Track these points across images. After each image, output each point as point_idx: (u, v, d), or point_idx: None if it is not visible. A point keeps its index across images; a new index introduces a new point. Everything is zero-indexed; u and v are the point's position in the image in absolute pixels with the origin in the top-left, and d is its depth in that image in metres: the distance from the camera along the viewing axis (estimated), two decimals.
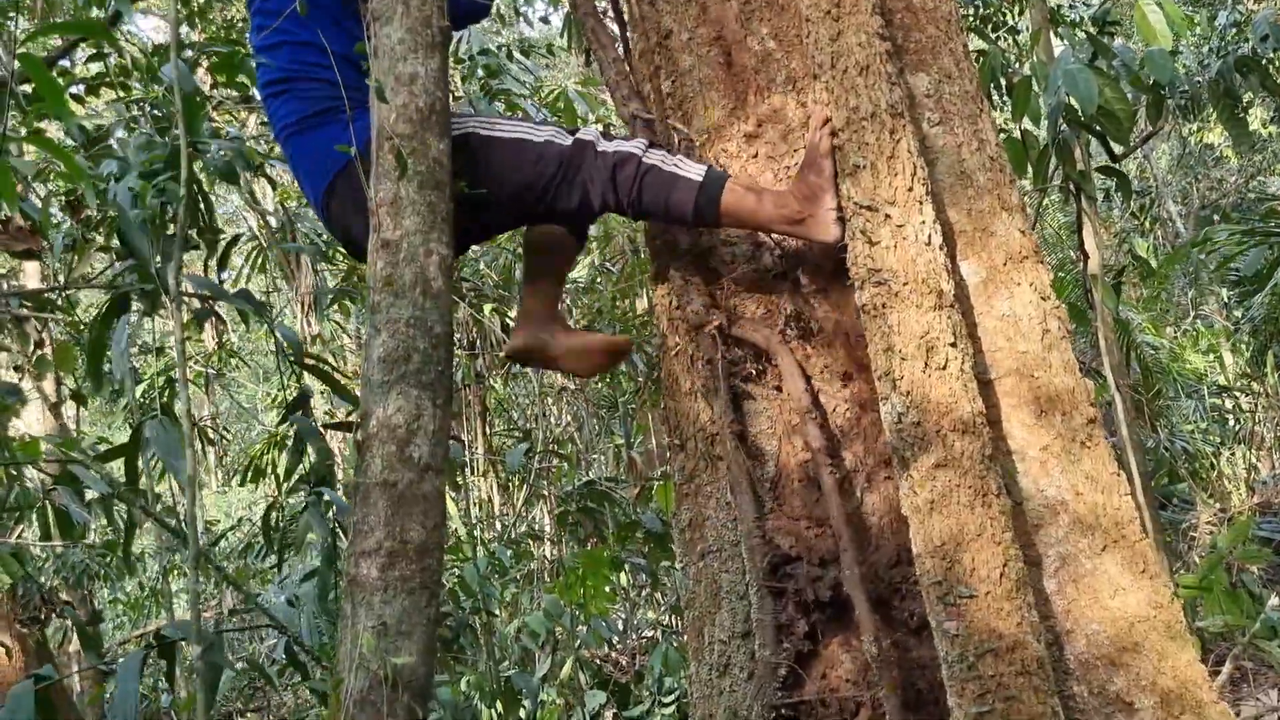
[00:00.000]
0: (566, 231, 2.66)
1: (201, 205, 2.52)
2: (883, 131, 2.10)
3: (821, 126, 2.19)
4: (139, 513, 2.29)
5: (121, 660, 1.94)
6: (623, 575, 5.50)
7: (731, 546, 2.39)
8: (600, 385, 8.14)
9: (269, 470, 9.26)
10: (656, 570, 4.59)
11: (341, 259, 6.08)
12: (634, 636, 6.86)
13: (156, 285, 2.22)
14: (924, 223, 2.08)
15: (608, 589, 5.91)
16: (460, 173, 2.23)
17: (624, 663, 5.90)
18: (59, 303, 2.61)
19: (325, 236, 6.94)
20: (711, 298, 2.41)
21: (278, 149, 2.79)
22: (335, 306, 5.90)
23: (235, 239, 2.52)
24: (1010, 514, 2.00)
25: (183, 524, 2.31)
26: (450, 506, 7.16)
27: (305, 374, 2.53)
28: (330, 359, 8.41)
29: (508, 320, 6.06)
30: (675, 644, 4.52)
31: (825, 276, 2.37)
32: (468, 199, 2.28)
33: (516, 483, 6.09)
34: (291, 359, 2.43)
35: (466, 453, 8.78)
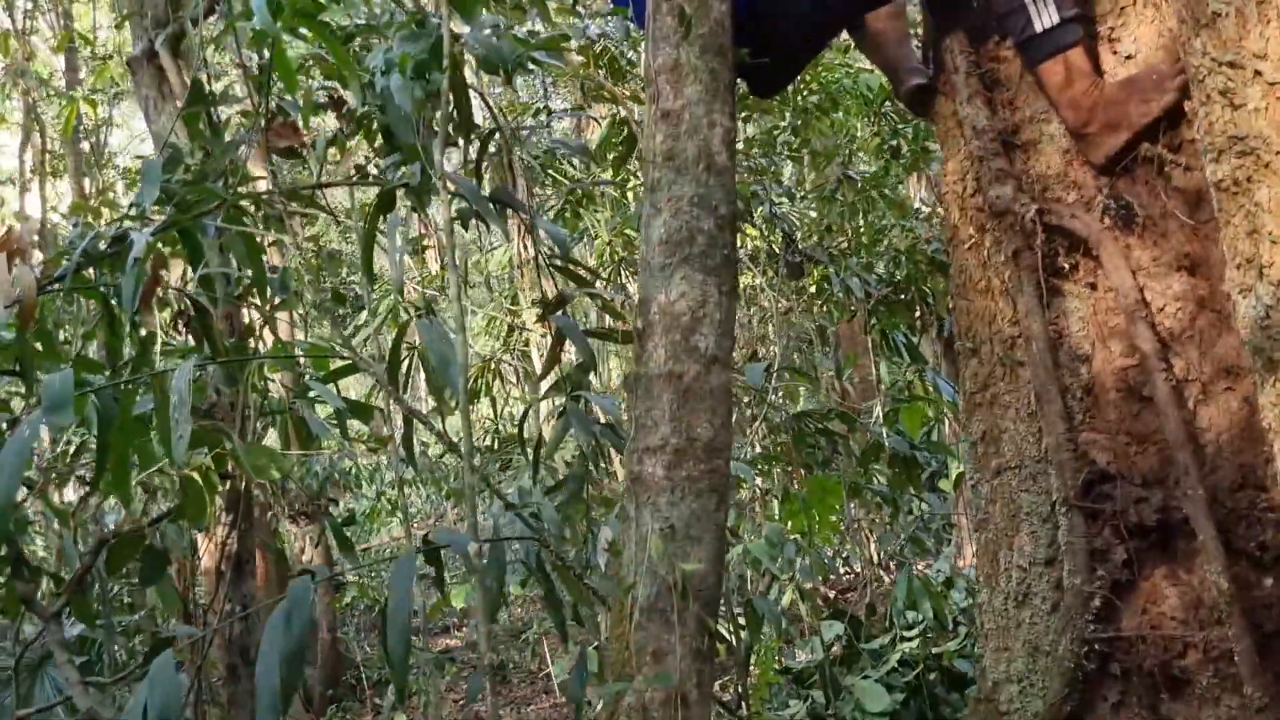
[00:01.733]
0: None
1: (453, 102, 2.41)
2: None
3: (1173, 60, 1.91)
4: (405, 416, 2.21)
5: (393, 565, 1.86)
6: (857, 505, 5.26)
7: (1034, 463, 2.13)
8: (809, 310, 7.85)
9: (483, 393, 9.41)
10: (898, 498, 4.33)
11: (554, 179, 5.99)
12: (863, 569, 6.62)
13: (425, 180, 2.11)
14: None
15: (834, 518, 5.69)
16: None
17: (849, 597, 5.69)
18: (323, 202, 2.56)
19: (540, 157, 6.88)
20: (1017, 180, 2.12)
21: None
22: (562, 221, 5.82)
23: (490, 134, 2.39)
24: None
25: (444, 433, 2.22)
26: None
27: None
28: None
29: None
30: (917, 574, 4.26)
31: (1152, 153, 2.05)
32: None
33: (750, 401, 5.92)
34: (555, 263, 2.30)
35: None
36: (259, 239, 2.28)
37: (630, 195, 5.38)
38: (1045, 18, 2.07)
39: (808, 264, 5.96)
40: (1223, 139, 1.77)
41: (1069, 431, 2.06)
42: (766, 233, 5.31)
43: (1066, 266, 2.08)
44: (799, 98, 4.93)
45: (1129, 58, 2.06)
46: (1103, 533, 2.03)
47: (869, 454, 4.08)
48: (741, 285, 5.69)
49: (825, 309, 7.35)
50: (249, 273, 2.24)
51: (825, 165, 5.50)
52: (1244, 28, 1.74)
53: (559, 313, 2.29)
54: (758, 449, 5.94)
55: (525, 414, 2.70)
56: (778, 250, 5.07)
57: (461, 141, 2.36)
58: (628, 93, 4.68)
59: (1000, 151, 2.15)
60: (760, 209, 5.16)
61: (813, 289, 6.44)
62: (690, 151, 1.80)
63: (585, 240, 7.30)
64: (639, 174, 4.79)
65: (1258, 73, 1.73)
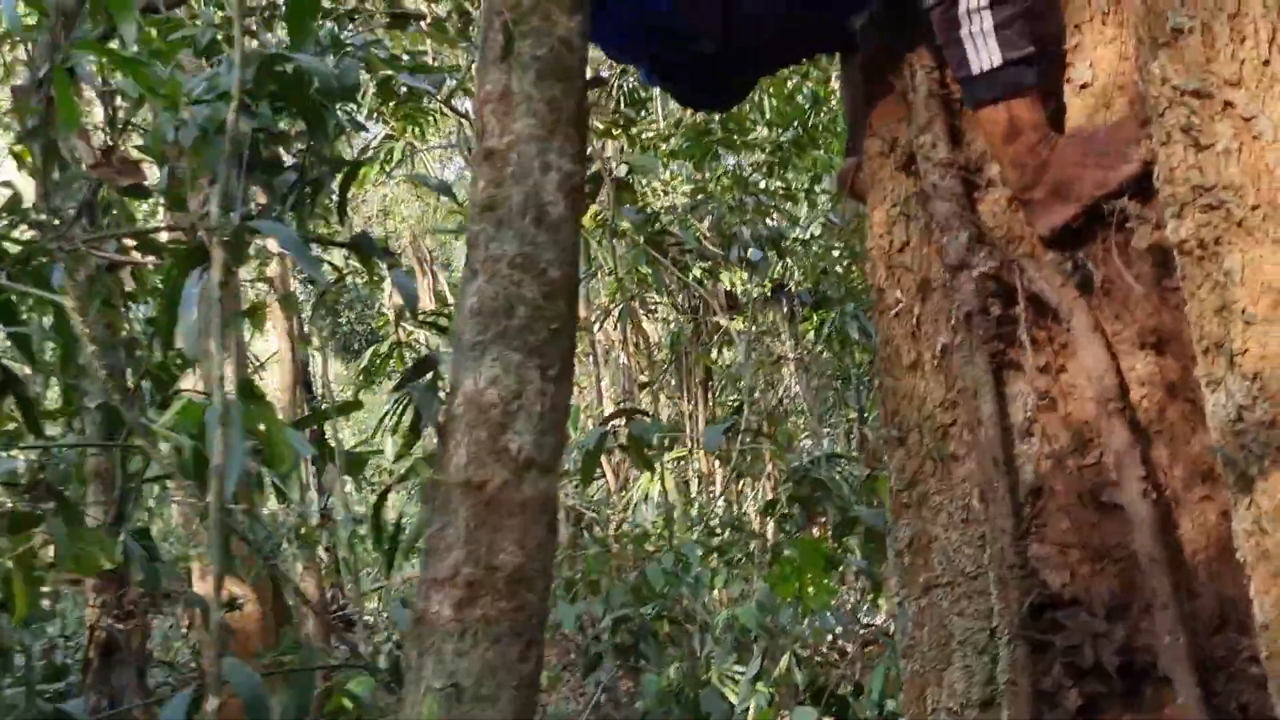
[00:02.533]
0: None
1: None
2: None
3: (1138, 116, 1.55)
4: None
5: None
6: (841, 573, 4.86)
7: (969, 580, 1.74)
8: (831, 354, 7.45)
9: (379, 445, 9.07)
10: (877, 573, 3.92)
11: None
12: (860, 631, 6.19)
13: (237, 228, 1.77)
14: None
15: (827, 582, 5.27)
16: None
17: (847, 670, 5.27)
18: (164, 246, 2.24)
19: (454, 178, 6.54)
20: (976, 229, 1.74)
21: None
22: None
23: (355, 168, 2.05)
24: None
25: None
26: (668, 482, 6.71)
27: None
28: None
29: (722, 279, 5.49)
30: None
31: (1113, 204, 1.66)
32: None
33: (736, 459, 5.56)
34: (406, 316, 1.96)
35: (688, 424, 8.31)
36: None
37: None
38: (984, 57, 1.68)
39: (803, 308, 5.60)
40: (1185, 189, 1.38)
41: (1019, 541, 1.67)
42: (756, 275, 4.96)
43: (1024, 340, 1.70)
44: (775, 132, 4.58)
45: (1084, 86, 1.68)
46: (1052, 671, 1.63)
47: (841, 528, 3.68)
48: (726, 327, 5.33)
49: (844, 350, 6.97)
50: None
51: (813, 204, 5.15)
52: (1212, 47, 1.37)
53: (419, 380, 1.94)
54: (748, 510, 5.58)
55: (380, 499, 2.34)
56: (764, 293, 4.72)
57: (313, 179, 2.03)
58: (599, 124, 4.35)
59: (960, 192, 1.77)
60: (748, 249, 4.81)
61: (811, 334, 6.08)
62: (516, 200, 1.45)
63: None
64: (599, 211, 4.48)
65: (1229, 104, 1.35)
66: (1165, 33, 1.40)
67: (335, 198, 2.11)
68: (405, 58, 3.37)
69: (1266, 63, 1.35)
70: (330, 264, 2.03)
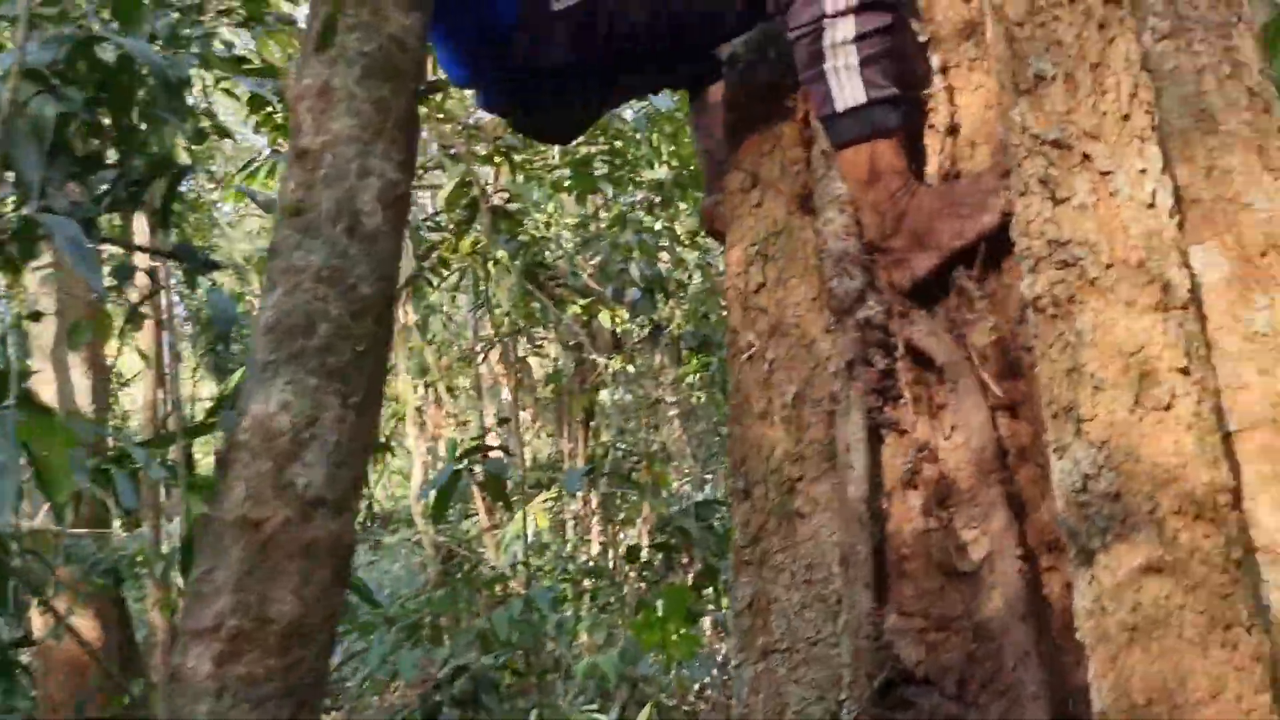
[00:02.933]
0: None
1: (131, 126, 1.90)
2: (1086, 24, 1.32)
3: (1000, 167, 1.49)
4: None
5: None
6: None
7: (809, 646, 1.63)
8: (711, 400, 7.40)
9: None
10: None
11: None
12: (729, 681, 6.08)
13: (25, 224, 1.59)
14: (1145, 171, 1.29)
15: (688, 632, 5.16)
16: None
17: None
18: None
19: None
20: (869, 272, 1.64)
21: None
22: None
23: (180, 173, 1.87)
24: (1271, 661, 1.19)
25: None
26: (542, 522, 6.53)
27: None
28: None
29: (603, 318, 5.38)
30: None
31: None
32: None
33: (599, 504, 5.43)
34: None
35: (566, 462, 8.15)
36: None
37: (491, 266, 4.90)
38: (848, 94, 1.61)
39: (684, 350, 5.53)
40: (1041, 243, 1.31)
41: (874, 612, 1.57)
42: (635, 315, 4.86)
43: (905, 395, 1.60)
44: (652, 168, 4.52)
45: (950, 132, 1.62)
46: None
47: (700, 579, 3.58)
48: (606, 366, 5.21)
49: (725, 396, 6.90)
50: None
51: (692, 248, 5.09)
52: (1073, 97, 1.30)
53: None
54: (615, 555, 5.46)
55: (190, 530, 2.12)
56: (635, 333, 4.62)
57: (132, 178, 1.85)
58: (481, 150, 4.22)
59: (856, 232, 1.67)
60: (629, 288, 4.71)
61: (692, 376, 6.01)
62: (327, 206, 1.31)
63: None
64: (478, 240, 4.34)
65: (1087, 157, 1.29)
66: (1028, 79, 1.34)
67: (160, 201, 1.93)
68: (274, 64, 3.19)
69: (1126, 117, 1.30)
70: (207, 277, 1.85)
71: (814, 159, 1.77)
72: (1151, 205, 1.27)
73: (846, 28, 1.61)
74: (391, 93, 1.38)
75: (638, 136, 4.46)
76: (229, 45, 2.78)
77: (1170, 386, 1.22)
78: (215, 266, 1.92)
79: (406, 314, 7.82)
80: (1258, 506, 1.41)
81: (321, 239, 1.30)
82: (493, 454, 3.09)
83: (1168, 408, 1.22)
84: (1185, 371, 1.23)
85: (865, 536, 1.55)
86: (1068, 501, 1.27)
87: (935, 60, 1.64)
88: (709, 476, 9.28)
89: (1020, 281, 1.53)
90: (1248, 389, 1.43)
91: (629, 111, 5.07)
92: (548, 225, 4.98)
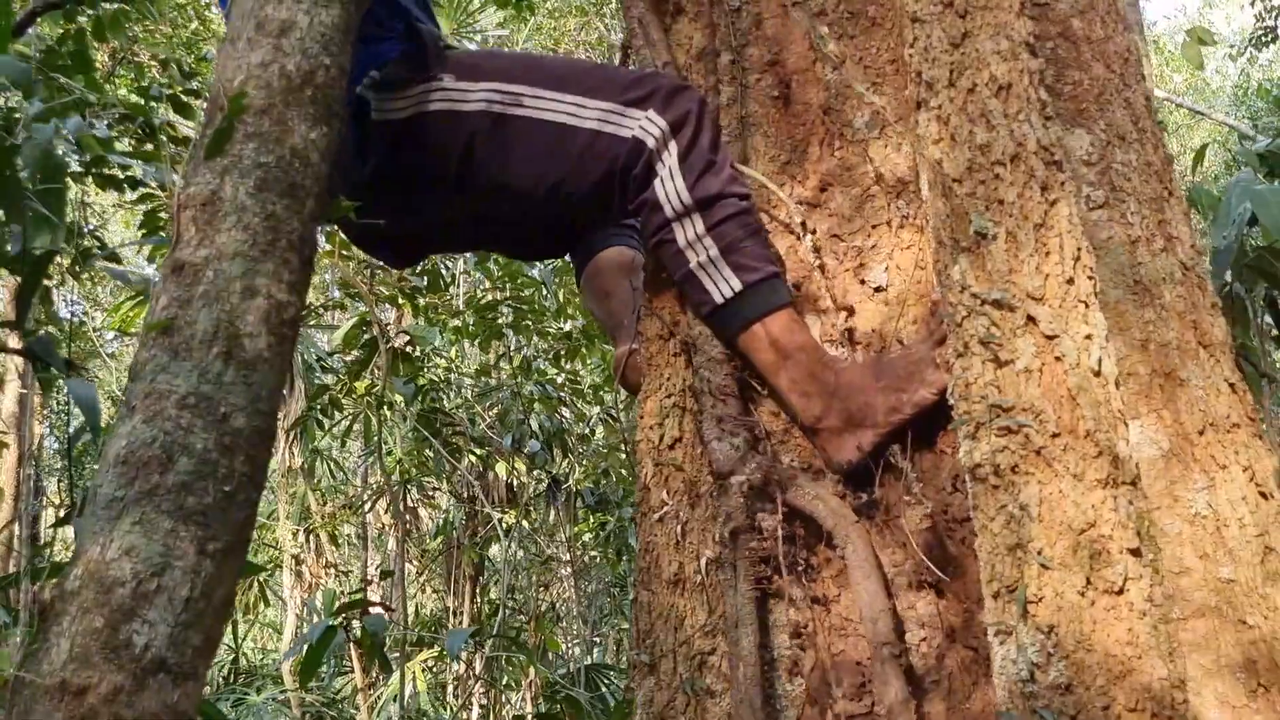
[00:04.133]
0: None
1: None
2: (1029, 184, 1.28)
3: (933, 336, 1.44)
4: None
5: None
6: None
7: None
8: (606, 559, 7.18)
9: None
10: None
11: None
12: None
13: None
14: (1090, 337, 1.23)
15: None
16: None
17: None
18: None
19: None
20: (751, 433, 1.54)
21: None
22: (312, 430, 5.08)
23: (41, 264, 1.70)
24: None
25: None
26: (421, 684, 6.16)
27: None
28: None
29: (499, 470, 5.19)
30: None
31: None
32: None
33: (483, 667, 5.12)
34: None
35: (451, 620, 7.78)
36: None
37: (388, 410, 4.71)
38: (722, 285, 1.57)
39: (582, 508, 5.36)
40: (982, 408, 1.23)
41: None
42: (528, 468, 4.70)
43: (800, 563, 1.48)
44: (557, 322, 4.45)
45: (879, 290, 1.55)
46: None
47: None
48: (498, 520, 5.00)
49: (620, 557, 6.71)
50: None
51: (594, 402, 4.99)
52: (1016, 257, 1.25)
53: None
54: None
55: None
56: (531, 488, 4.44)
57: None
58: (384, 290, 4.10)
59: (735, 391, 1.57)
60: (527, 439, 4.56)
61: (588, 535, 5.82)
62: (203, 326, 1.16)
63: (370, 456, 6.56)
64: (374, 382, 4.18)
65: (1031, 319, 1.22)
66: (968, 236, 1.28)
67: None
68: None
69: (1071, 280, 1.24)
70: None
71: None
72: (1098, 373, 1.21)
73: (695, 225, 1.59)
74: (287, 209, 1.26)
75: (544, 290, 4.41)
76: (124, 168, 2.65)
77: (1123, 568, 1.13)
78: (75, 368, 1.73)
79: (292, 456, 7.51)
80: (1202, 703, 1.32)
81: (191, 362, 1.15)
82: (372, 610, 2.87)
83: (1120, 591, 1.12)
84: (1136, 553, 1.14)
85: None
86: (1011, 692, 1.15)
87: (864, 217, 1.59)
88: (598, 639, 8.95)
89: (952, 451, 1.45)
90: (1188, 574, 1.36)
91: (535, 267, 5.06)
92: (448, 371, 4.85)
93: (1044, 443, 1.18)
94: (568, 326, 4.54)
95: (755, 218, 1.61)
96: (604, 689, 5.80)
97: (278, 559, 7.77)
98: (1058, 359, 1.20)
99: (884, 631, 1.33)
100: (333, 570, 7.85)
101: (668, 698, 1.54)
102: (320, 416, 4.76)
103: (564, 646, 8.23)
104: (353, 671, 7.81)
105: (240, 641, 8.52)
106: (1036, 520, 1.15)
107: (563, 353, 4.59)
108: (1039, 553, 1.15)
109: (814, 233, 1.59)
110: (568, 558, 5.59)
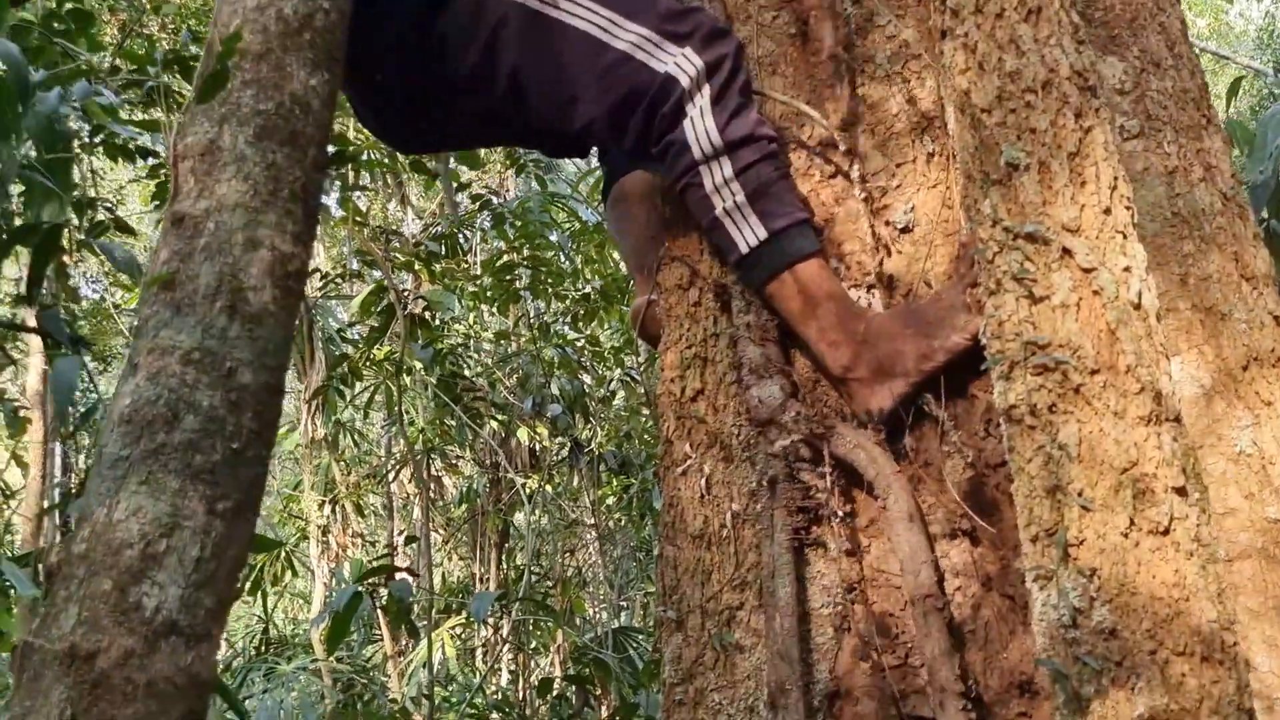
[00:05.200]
0: None
1: None
2: (1062, 112, 1.22)
3: (964, 277, 1.38)
4: None
5: None
6: None
7: None
8: (631, 523, 7.17)
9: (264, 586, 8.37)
10: None
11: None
12: None
13: None
14: (1129, 269, 1.17)
15: None
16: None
17: None
18: None
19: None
20: (788, 379, 1.50)
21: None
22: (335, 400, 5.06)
23: (52, 237, 1.67)
24: None
25: None
26: (450, 650, 6.18)
27: None
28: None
29: (521, 435, 5.17)
30: None
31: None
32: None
33: (511, 631, 5.13)
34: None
35: (478, 586, 7.79)
36: None
37: (408, 378, 4.68)
38: (747, 233, 1.51)
39: (605, 471, 5.33)
40: (1016, 345, 1.18)
41: None
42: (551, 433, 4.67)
43: (834, 515, 1.44)
44: (575, 285, 4.39)
45: (905, 231, 1.50)
46: None
47: (620, 715, 3.32)
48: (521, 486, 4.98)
49: (644, 520, 6.69)
50: None
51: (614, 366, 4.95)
52: (1049, 188, 1.19)
53: None
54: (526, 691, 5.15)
55: None
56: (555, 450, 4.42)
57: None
58: (400, 256, 4.05)
59: (774, 335, 1.53)
60: (548, 403, 4.52)
61: (611, 499, 5.80)
62: (206, 280, 1.12)
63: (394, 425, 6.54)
64: (394, 350, 4.14)
65: (1067, 252, 1.16)
66: (999, 168, 1.22)
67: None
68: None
69: (1107, 211, 1.18)
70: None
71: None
72: (1138, 306, 1.15)
73: (723, 168, 1.52)
74: (288, 157, 1.21)
75: (562, 254, 4.34)
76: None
77: (1168, 508, 1.08)
78: (84, 344, 1.70)
79: (314, 428, 7.51)
80: (1249, 646, 1.27)
81: (195, 317, 1.11)
82: (398, 576, 2.85)
83: (1165, 531, 1.07)
84: (1182, 491, 1.09)
85: (795, 675, 1.37)
86: (1052, 639, 1.11)
87: (888, 155, 1.53)
88: (625, 604, 8.96)
89: (984, 395, 1.40)
90: (1233, 514, 1.31)
91: (554, 233, 4.99)
92: (467, 337, 4.81)
93: (1082, 380, 1.13)
94: (586, 289, 4.49)
95: (783, 161, 1.55)
96: (631, 651, 5.80)
97: (304, 530, 7.80)
98: (1095, 293, 1.15)
99: (926, 583, 1.29)
100: (359, 540, 7.87)
101: (696, 654, 1.50)
102: (340, 386, 4.74)
103: (591, 611, 8.23)
104: (382, 639, 7.86)
105: (270, 612, 8.57)
106: (1076, 460, 1.11)
107: (581, 315, 4.55)
108: (1079, 494, 1.10)
109: (854, 155, 1.53)
110: (592, 521, 5.57)
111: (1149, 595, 1.05)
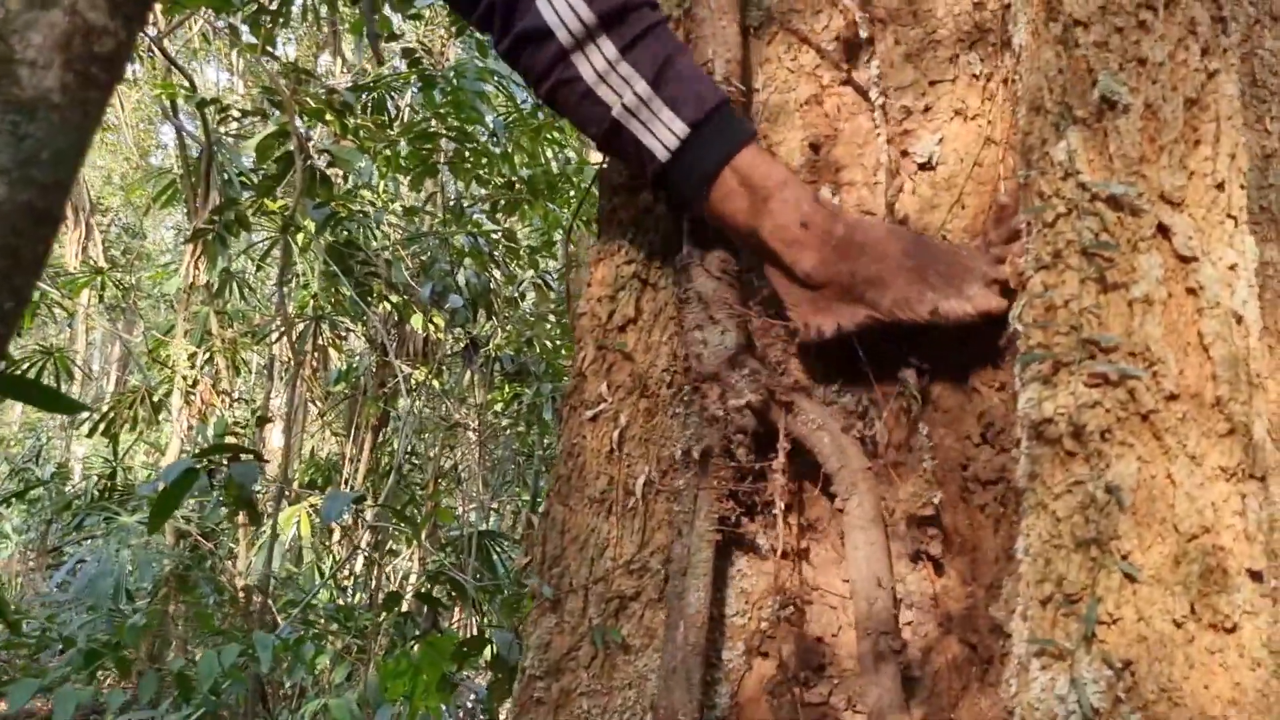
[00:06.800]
0: None
1: None
2: (1185, 42, 0.91)
3: (992, 249, 1.06)
4: None
5: None
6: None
7: None
8: (517, 425, 6.86)
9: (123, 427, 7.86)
10: (494, 710, 3.29)
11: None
12: None
13: None
14: (1237, 268, 0.88)
15: (445, 688, 4.59)
16: None
17: None
18: None
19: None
20: (744, 330, 1.18)
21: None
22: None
23: None
24: None
25: None
26: (305, 528, 5.84)
27: None
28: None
29: (415, 322, 4.79)
30: None
31: (933, 343, 1.15)
32: None
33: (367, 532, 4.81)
34: None
35: (346, 468, 7.44)
36: None
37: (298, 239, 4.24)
38: (662, 133, 1.15)
39: (502, 377, 5.00)
40: (1069, 342, 0.88)
41: None
42: (447, 325, 4.30)
43: (774, 509, 1.13)
44: (501, 172, 3.99)
45: (926, 167, 1.18)
46: None
47: (467, 646, 3.04)
48: (408, 374, 4.62)
49: (530, 430, 6.39)
50: None
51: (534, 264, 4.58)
52: (1153, 141, 0.88)
53: None
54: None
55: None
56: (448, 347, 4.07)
57: None
58: (311, 101, 3.61)
59: (735, 271, 1.20)
60: (450, 295, 4.15)
61: (500, 405, 5.49)
62: None
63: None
64: (289, 204, 3.71)
65: (1163, 230, 0.86)
66: (1088, 103, 0.91)
67: None
68: None
69: (1220, 187, 0.88)
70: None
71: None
72: (1240, 320, 0.86)
73: (603, 49, 1.15)
74: None
75: (494, 135, 3.92)
76: None
77: (1242, 597, 0.80)
78: None
79: (196, 272, 7.00)
80: None
81: None
82: (244, 457, 2.50)
83: (1232, 629, 0.80)
84: (1259, 578, 0.82)
85: (692, 705, 1.08)
86: None
87: (922, 68, 1.21)
88: (495, 506, 8.70)
89: (989, 391, 1.11)
90: None
91: (490, 114, 4.56)
92: (372, 205, 4.38)
93: (1156, 404, 0.83)
94: (512, 180, 4.08)
95: (672, 30, 1.20)
96: (495, 556, 5.54)
97: (170, 378, 7.32)
98: (1192, 291, 0.86)
99: (881, 618, 1.01)
100: (227, 398, 7.42)
101: (569, 644, 1.20)
102: (224, 234, 4.28)
103: (461, 509, 7.95)
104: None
105: (120, 457, 8.09)
106: (1129, 511, 0.82)
107: (502, 205, 4.15)
108: (1124, 556, 0.81)
109: (875, 55, 1.20)
110: (475, 424, 5.24)
111: (1197, 710, 0.78)
